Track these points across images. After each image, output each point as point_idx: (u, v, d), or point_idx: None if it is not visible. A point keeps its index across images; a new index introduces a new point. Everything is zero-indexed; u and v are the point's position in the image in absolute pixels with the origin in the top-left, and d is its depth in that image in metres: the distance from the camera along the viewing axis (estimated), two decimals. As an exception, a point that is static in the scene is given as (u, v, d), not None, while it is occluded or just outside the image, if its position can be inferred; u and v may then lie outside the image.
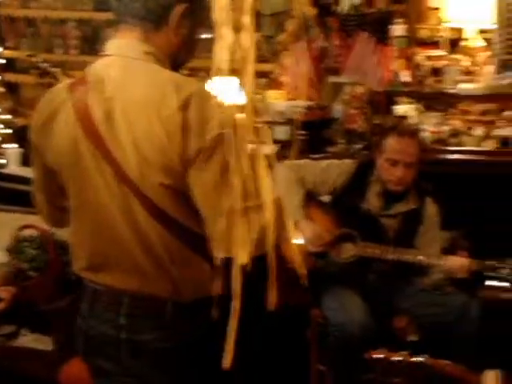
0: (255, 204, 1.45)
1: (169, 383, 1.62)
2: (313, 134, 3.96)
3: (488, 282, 2.63)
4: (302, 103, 4.22)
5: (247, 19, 0.78)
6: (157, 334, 1.57)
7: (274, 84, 4.65)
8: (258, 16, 4.76)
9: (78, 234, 1.65)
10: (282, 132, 4.17)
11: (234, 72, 0.83)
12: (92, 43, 5.21)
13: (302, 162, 3.16)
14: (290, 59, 4.46)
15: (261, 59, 4.81)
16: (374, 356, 1.80)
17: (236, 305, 0.84)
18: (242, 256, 1.36)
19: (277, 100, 4.45)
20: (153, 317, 1.57)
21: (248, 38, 0.78)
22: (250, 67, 0.78)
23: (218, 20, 0.80)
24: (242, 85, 0.84)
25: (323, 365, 2.90)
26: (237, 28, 0.79)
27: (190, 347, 1.61)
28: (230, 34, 0.79)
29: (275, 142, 4.02)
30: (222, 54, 0.79)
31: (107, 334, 1.59)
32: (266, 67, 4.68)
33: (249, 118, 0.81)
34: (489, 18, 4.04)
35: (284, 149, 3.97)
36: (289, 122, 4.23)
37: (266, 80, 4.68)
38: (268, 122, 4.27)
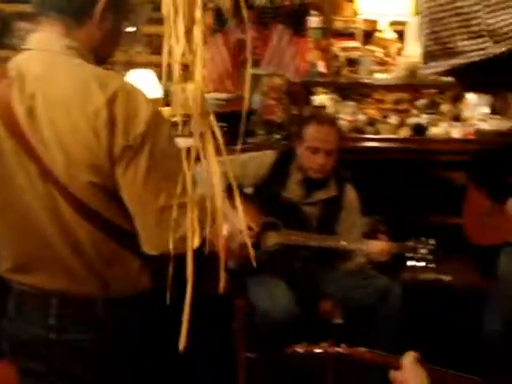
0: (185, 200, 1.46)
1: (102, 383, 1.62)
2: (232, 126, 3.99)
3: (408, 263, 2.73)
4: (221, 95, 4.23)
5: (199, 13, 0.78)
6: (88, 334, 1.56)
7: (192, 77, 4.64)
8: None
9: (2, 234, 1.61)
10: (201, 125, 4.16)
11: (184, 67, 0.83)
12: (1, 36, 5.02)
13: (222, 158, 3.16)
14: (207, 52, 4.47)
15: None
16: (294, 350, 1.83)
17: (189, 290, 0.86)
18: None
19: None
20: (83, 316, 1.56)
21: (200, 33, 0.78)
22: (201, 62, 0.79)
23: (167, 15, 0.80)
24: (192, 80, 0.85)
25: (251, 352, 2.94)
26: (188, 22, 0.79)
27: (123, 347, 1.60)
28: (181, 29, 0.79)
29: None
30: (172, 48, 0.79)
31: (36, 335, 1.56)
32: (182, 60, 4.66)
33: (202, 113, 0.82)
34: (402, 11, 4.17)
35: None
36: (207, 114, 4.23)
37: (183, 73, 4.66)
38: (187, 115, 4.27)
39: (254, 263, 1.07)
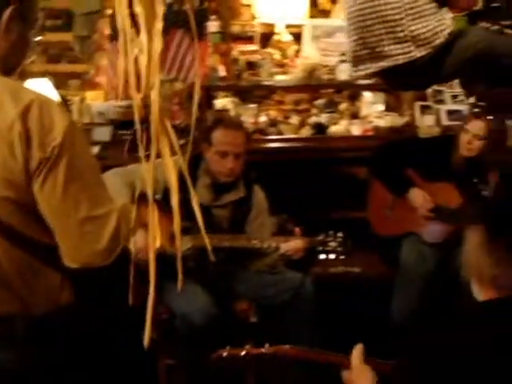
0: (104, 211, 1.47)
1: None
2: (136, 134, 3.96)
3: (320, 257, 2.83)
4: (122, 103, 4.19)
5: (159, 25, 0.80)
6: (8, 354, 1.51)
7: (90, 85, 4.58)
8: (70, 16, 4.66)
9: None
10: (103, 133, 4.11)
11: (139, 78, 0.85)
12: None
13: (129, 167, 3.13)
14: (106, 59, 4.42)
15: (73, 60, 4.71)
16: (218, 354, 1.85)
17: (152, 291, 0.89)
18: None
19: (94, 101, 4.39)
20: (2, 336, 1.51)
21: (159, 44, 0.80)
22: (158, 73, 0.81)
23: (121, 26, 0.81)
24: (150, 91, 0.86)
25: (172, 358, 2.94)
26: (145, 33, 0.81)
27: (45, 364, 1.56)
28: (138, 40, 0.81)
29: (96, 143, 3.98)
30: (128, 59, 0.80)
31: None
32: (79, 68, 4.60)
33: (159, 122, 0.84)
34: (298, 14, 4.30)
35: (105, 150, 3.93)
36: (109, 122, 4.19)
37: (80, 81, 4.60)
38: (88, 124, 4.21)
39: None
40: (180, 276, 1.08)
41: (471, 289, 1.48)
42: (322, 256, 2.81)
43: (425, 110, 4.31)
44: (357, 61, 2.64)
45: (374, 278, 3.53)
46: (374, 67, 2.57)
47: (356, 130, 4.13)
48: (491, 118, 3.33)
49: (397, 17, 2.44)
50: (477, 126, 3.34)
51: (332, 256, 2.79)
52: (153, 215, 1.03)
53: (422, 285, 3.32)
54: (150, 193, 0.97)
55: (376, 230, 3.61)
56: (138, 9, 0.83)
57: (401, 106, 4.33)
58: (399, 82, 2.74)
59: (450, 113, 4.34)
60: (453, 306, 2.82)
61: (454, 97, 4.40)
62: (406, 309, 3.33)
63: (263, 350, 1.81)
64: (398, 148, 3.60)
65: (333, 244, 2.84)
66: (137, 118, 0.96)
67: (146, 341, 0.88)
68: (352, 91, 4.37)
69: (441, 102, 4.38)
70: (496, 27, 2.60)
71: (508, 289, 1.36)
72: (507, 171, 3.39)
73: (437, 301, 3.18)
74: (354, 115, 4.28)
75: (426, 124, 4.23)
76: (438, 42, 2.47)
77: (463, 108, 4.26)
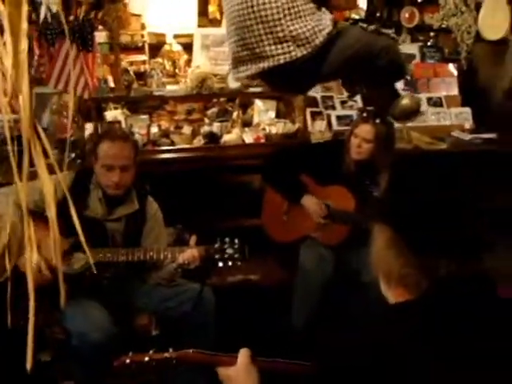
0: None
1: None
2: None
3: (217, 265, 2.81)
4: (7, 117, 4.02)
5: (24, 25, 0.75)
6: None
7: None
8: None
9: None
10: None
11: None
12: None
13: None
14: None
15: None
16: (120, 362, 1.81)
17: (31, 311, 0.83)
18: None
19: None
20: None
21: (25, 45, 0.75)
22: (26, 76, 0.76)
23: None
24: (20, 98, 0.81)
25: (71, 379, 2.84)
26: (9, 34, 0.76)
27: None
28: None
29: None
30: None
31: None
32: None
33: (29, 129, 0.78)
34: (188, 23, 4.30)
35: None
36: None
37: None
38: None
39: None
40: (63, 293, 1.02)
41: (379, 289, 1.49)
42: (220, 264, 2.79)
43: (316, 115, 4.40)
44: (237, 62, 2.65)
45: (274, 283, 3.55)
46: (254, 68, 2.58)
47: (248, 137, 4.16)
48: (378, 121, 3.43)
49: (276, 17, 2.46)
50: (365, 130, 3.43)
51: (230, 263, 2.78)
52: (31, 231, 0.97)
53: (322, 288, 3.37)
54: (25, 209, 0.91)
55: (273, 237, 3.64)
56: (1, 7, 0.78)
57: (292, 112, 4.40)
58: (281, 83, 2.76)
59: (340, 118, 4.47)
60: (355, 308, 2.88)
61: (343, 102, 4.54)
62: (306, 312, 3.38)
63: (167, 354, 1.79)
64: (291, 154, 3.64)
65: (230, 251, 2.83)
66: (6, 125, 0.90)
67: (28, 363, 0.82)
68: (243, 99, 4.40)
69: (331, 107, 4.50)
70: (373, 27, 2.73)
71: (416, 288, 1.37)
72: (396, 172, 3.50)
73: (337, 303, 3.24)
74: (246, 123, 4.31)
75: (318, 129, 4.33)
76: (317, 41, 2.51)
77: (352, 113, 4.39)
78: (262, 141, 4.15)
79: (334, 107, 4.51)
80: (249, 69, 2.60)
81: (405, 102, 3.05)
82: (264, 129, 4.23)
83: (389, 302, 1.44)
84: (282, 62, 2.51)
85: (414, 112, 3.11)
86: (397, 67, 2.83)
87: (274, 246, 3.62)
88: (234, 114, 4.30)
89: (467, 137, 4.64)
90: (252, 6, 2.48)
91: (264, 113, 4.37)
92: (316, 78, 2.83)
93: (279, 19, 2.46)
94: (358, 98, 4.36)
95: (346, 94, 4.24)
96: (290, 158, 3.57)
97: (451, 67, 5.08)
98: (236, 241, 2.86)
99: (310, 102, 4.43)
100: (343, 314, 3.04)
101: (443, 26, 4.80)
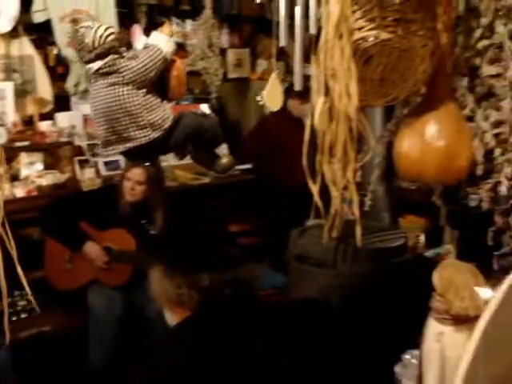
0: None
1: None
2: None
3: (12, 318, 2.78)
4: None
5: None
6: None
7: None
8: None
9: None
10: None
11: None
12: None
13: None
14: None
15: None
16: None
17: None
18: None
19: None
20: None
21: None
22: None
23: None
24: None
25: None
26: None
27: None
28: None
29: None
30: None
31: None
32: None
33: None
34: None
35: None
36: None
37: None
38: None
39: None
40: None
41: (164, 318, 1.73)
42: (14, 318, 2.79)
43: (83, 164, 4.52)
44: (107, 144, 3.70)
45: (66, 331, 3.58)
46: (121, 147, 3.68)
47: (19, 191, 4.14)
48: (148, 164, 3.68)
49: (138, 111, 3.56)
50: (137, 173, 3.65)
51: (24, 315, 2.79)
52: None
53: (115, 327, 3.50)
54: None
55: (58, 286, 3.68)
56: None
57: (59, 162, 4.46)
58: (140, 157, 3.74)
59: (107, 164, 4.63)
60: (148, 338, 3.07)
61: (109, 149, 4.70)
62: (102, 351, 3.47)
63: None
64: (67, 204, 3.71)
65: (22, 303, 2.84)
66: None
67: None
68: (8, 154, 4.36)
69: (98, 154, 4.64)
70: (200, 112, 4.17)
71: (191, 303, 1.64)
72: (169, 210, 3.77)
73: (133, 337, 3.39)
74: (15, 177, 4.28)
75: (87, 177, 4.44)
76: (166, 125, 3.67)
77: (118, 158, 4.58)
78: (34, 193, 4.16)
79: (99, 154, 4.65)
80: (116, 148, 3.68)
81: (224, 160, 4.07)
82: (33, 181, 4.23)
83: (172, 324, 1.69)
84: (143, 142, 3.63)
85: (231, 167, 4.16)
86: (217, 139, 4.00)
87: (62, 295, 3.66)
88: (0, 170, 4.23)
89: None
90: (120, 104, 3.54)
91: (31, 165, 4.36)
92: (166, 150, 3.97)
93: (140, 112, 3.55)
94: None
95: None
96: (66, 208, 3.64)
97: (204, 107, 5.51)
98: (26, 292, 2.88)
99: (77, 151, 4.54)
100: (138, 345, 3.21)
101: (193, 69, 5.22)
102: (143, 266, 3.40)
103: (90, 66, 3.64)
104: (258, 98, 6.18)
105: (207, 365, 1.48)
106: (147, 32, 5.11)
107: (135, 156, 3.73)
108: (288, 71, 6.36)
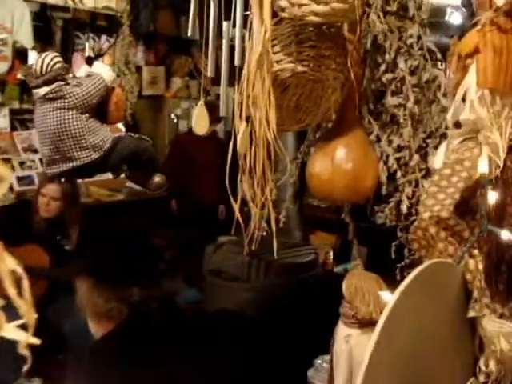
0: None
1: None
2: None
3: None
4: None
5: None
6: None
7: None
8: None
9: None
10: None
11: None
12: None
13: None
14: None
15: None
16: None
17: None
18: None
19: None
20: None
21: None
22: None
23: None
24: None
25: None
26: None
27: None
28: None
29: None
30: None
31: None
32: None
33: None
34: None
35: None
36: None
37: None
38: None
39: None
40: None
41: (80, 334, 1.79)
42: None
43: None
44: (51, 162, 3.85)
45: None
46: (65, 166, 3.82)
47: None
48: (63, 180, 3.71)
49: (81, 133, 3.78)
50: (52, 189, 3.67)
51: None
52: None
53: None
54: None
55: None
56: None
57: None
58: (83, 175, 4.16)
59: (20, 179, 4.59)
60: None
61: (22, 163, 4.66)
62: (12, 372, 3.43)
63: None
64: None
65: None
66: None
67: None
68: None
69: (10, 168, 4.59)
70: (137, 136, 4.46)
71: (119, 317, 1.71)
72: (84, 225, 3.80)
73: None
74: None
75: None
76: (106, 147, 3.90)
77: (31, 173, 4.55)
78: None
79: (13, 169, 4.61)
80: (60, 167, 3.83)
81: (157, 179, 4.27)
82: None
83: (97, 337, 1.76)
84: (86, 162, 3.83)
85: (163, 185, 4.36)
86: (152, 160, 4.31)
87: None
88: None
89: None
90: (65, 127, 3.73)
91: None
92: (105, 170, 4.32)
93: (84, 135, 3.78)
94: (36, 159, 4.55)
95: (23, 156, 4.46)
96: (-22, 223, 3.61)
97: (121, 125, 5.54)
98: None
99: (-12, 165, 4.46)
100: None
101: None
102: (60, 282, 3.43)
103: (37, 91, 3.79)
104: (172, 116, 6.28)
105: (135, 376, 1.55)
106: (64, 47, 5.13)
107: (77, 175, 4.00)
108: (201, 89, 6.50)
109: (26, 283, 0.69)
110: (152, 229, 4.68)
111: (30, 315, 0.71)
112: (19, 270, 0.68)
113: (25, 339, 0.70)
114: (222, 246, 3.66)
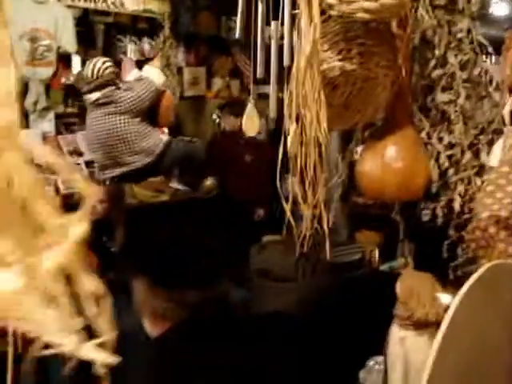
0: None
1: None
2: None
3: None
4: None
5: None
6: None
7: None
8: None
9: None
10: None
11: None
12: None
13: None
14: None
15: None
16: None
17: None
18: None
19: None
20: None
21: None
22: None
23: None
24: None
25: None
26: None
27: None
28: None
29: None
30: None
31: None
32: None
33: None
34: None
35: None
36: None
37: None
38: None
39: None
40: None
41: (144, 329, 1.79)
42: None
43: (44, 182, 4.51)
44: (103, 168, 3.95)
45: None
46: (117, 171, 3.91)
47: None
48: (108, 182, 3.75)
49: (132, 138, 3.80)
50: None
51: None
52: None
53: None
54: None
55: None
56: None
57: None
58: (136, 179, 4.18)
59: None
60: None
61: (68, 166, 4.71)
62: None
63: None
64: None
65: None
66: None
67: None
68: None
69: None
70: (188, 139, 4.61)
71: (176, 318, 1.72)
72: (130, 226, 3.82)
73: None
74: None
75: (48, 195, 4.44)
76: (158, 151, 3.97)
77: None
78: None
79: (59, 171, 4.66)
80: (113, 172, 3.91)
81: (208, 183, 4.47)
82: None
83: (152, 336, 1.76)
84: (139, 166, 3.92)
85: (213, 189, 4.53)
86: (203, 163, 4.44)
87: None
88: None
89: (183, 186, 5.17)
90: (117, 132, 3.75)
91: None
92: (157, 174, 4.27)
93: (135, 139, 3.82)
94: (81, 162, 4.60)
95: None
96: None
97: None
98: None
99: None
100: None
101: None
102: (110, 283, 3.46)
103: (89, 96, 3.84)
104: (214, 116, 6.30)
105: (190, 374, 1.55)
106: (106, 51, 5.20)
107: (129, 179, 4.04)
108: (243, 89, 6.51)
109: (107, 302, 0.68)
110: (202, 230, 4.68)
111: (109, 334, 0.69)
112: (101, 289, 0.67)
113: (103, 359, 0.69)
114: (267, 245, 3.64)
